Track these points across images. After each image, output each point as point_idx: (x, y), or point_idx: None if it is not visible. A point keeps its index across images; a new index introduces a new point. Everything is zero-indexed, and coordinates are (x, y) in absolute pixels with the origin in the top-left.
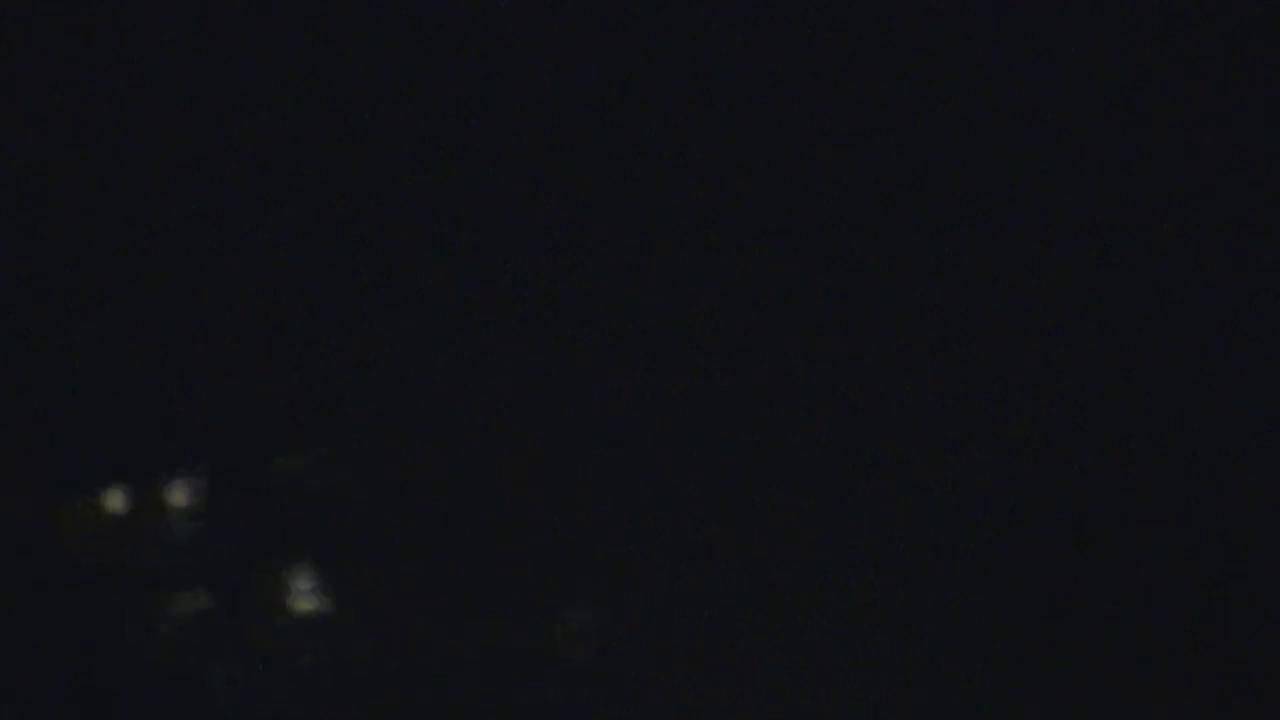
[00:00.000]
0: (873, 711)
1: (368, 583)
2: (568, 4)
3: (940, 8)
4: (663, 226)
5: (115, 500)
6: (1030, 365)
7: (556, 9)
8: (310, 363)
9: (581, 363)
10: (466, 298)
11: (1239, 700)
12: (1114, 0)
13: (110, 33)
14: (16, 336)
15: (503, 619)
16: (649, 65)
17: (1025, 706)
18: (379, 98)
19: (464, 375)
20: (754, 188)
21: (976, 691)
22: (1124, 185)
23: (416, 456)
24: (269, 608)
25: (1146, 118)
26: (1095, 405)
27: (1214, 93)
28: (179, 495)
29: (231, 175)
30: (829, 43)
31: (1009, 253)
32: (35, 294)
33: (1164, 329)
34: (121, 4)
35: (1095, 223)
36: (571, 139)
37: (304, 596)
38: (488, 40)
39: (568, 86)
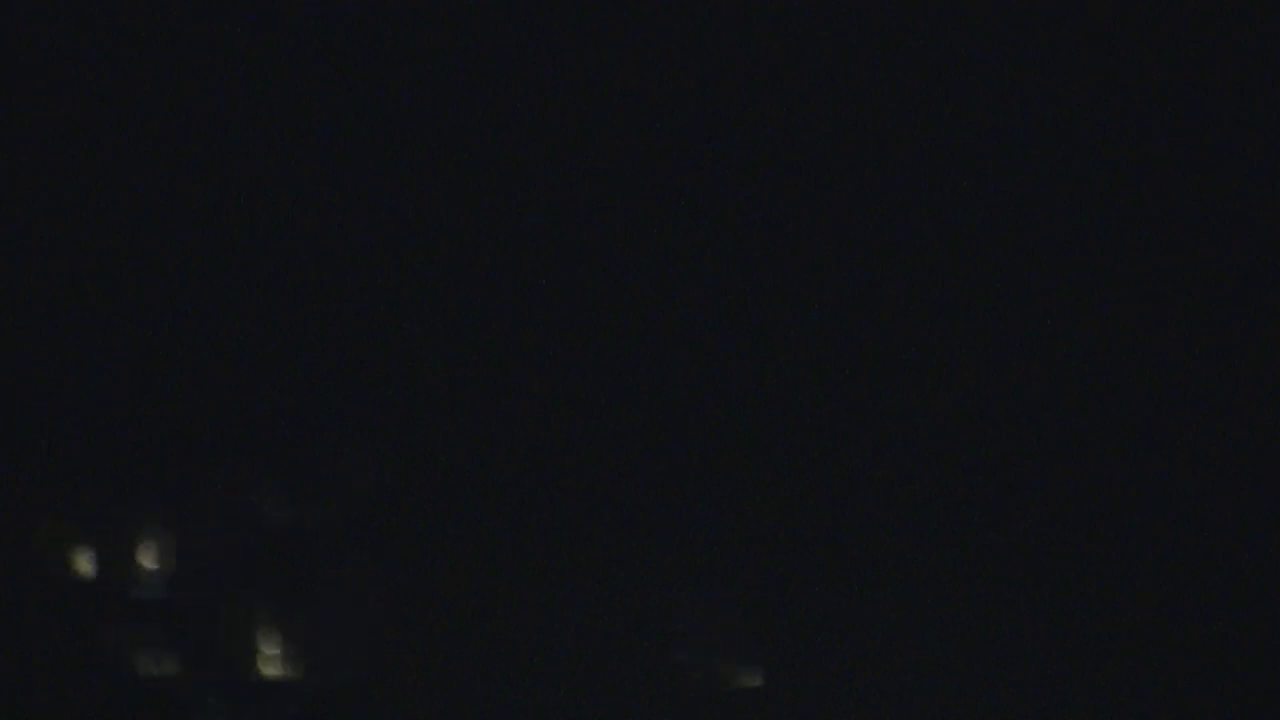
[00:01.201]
0: (873, 711)
1: (367, 584)
2: (568, 4)
3: (941, 8)
4: (663, 226)
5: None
6: (1030, 365)
7: (557, 9)
8: (308, 364)
9: (581, 363)
10: (467, 298)
11: (1239, 700)
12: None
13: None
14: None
15: (503, 619)
16: (649, 65)
17: (1025, 706)
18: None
19: (464, 375)
20: (754, 187)
21: (977, 691)
22: (1124, 185)
23: (415, 457)
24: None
25: (1146, 117)
26: (1095, 405)
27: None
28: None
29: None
30: (829, 43)
31: (1009, 252)
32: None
33: (1164, 329)
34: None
35: (1095, 222)
36: (571, 139)
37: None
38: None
39: (568, 86)
